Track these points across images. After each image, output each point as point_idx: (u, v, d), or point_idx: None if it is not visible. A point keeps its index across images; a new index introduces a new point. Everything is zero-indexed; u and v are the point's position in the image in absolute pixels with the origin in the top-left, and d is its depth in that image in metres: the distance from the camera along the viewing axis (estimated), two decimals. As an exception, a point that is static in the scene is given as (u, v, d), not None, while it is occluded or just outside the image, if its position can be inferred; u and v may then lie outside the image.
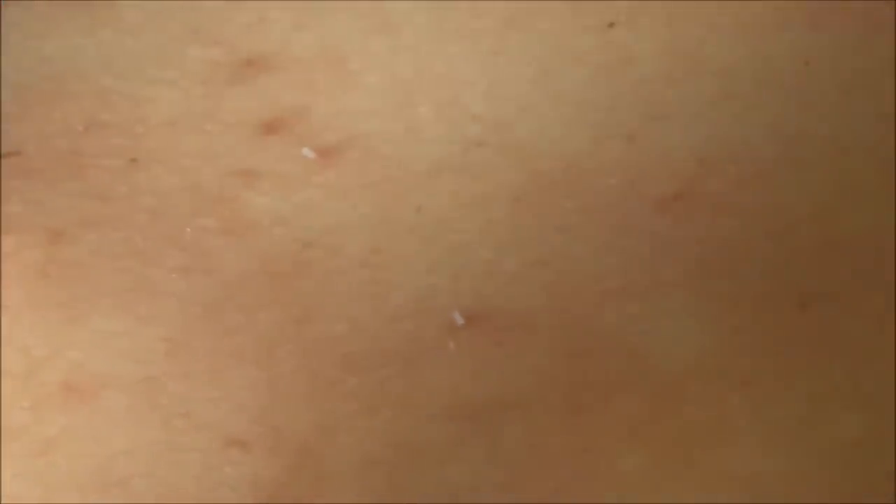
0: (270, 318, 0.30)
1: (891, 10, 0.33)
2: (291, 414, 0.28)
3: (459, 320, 0.30)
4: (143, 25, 0.36)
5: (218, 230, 0.32)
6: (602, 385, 0.28)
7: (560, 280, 0.30)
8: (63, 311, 0.30)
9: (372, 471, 0.27)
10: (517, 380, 0.29)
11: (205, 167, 0.33)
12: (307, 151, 0.33)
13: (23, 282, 0.31)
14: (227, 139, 0.33)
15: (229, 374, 0.29)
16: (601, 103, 0.32)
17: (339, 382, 0.29)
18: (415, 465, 0.27)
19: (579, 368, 0.28)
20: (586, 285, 0.30)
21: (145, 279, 0.31)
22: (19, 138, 0.33)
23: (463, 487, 0.27)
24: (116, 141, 0.34)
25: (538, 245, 0.31)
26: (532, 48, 0.35)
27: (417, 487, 0.27)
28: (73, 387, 0.29)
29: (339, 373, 0.29)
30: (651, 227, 0.30)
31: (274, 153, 0.33)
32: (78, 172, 0.33)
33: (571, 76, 0.33)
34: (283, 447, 0.28)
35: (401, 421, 0.28)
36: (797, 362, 0.28)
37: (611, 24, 0.34)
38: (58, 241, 0.31)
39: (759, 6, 0.34)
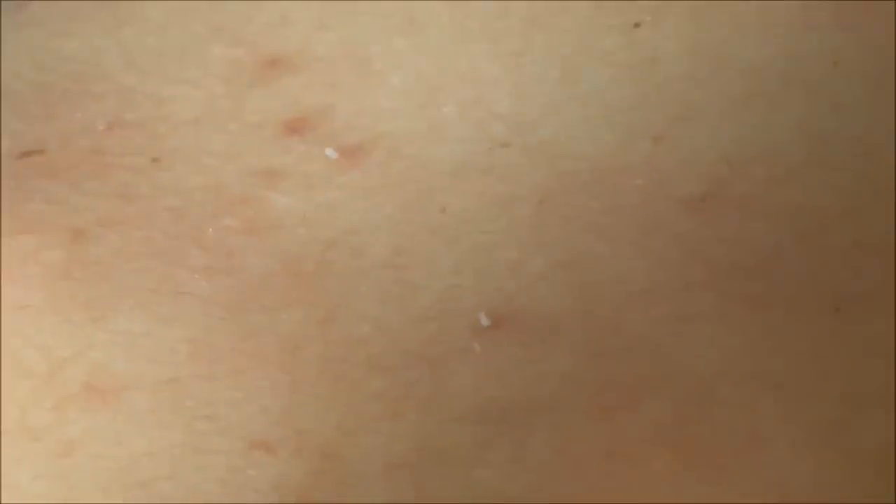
0: (294, 319, 0.30)
1: (919, 9, 0.33)
2: (315, 416, 0.28)
3: (485, 322, 0.30)
4: (166, 25, 0.36)
5: (241, 230, 0.32)
6: (629, 387, 0.28)
7: (586, 281, 0.30)
8: (85, 312, 0.30)
9: (397, 474, 0.27)
10: (543, 382, 0.29)
11: (227, 167, 0.33)
12: (330, 151, 0.33)
13: (45, 282, 0.31)
14: (249, 139, 0.33)
15: (252, 375, 0.29)
16: (627, 103, 0.32)
17: (363, 384, 0.29)
18: (440, 469, 0.27)
19: (606, 370, 0.28)
20: (613, 287, 0.30)
21: (168, 279, 0.31)
22: (42, 137, 0.33)
23: (489, 491, 0.27)
24: (139, 140, 0.33)
25: (564, 246, 0.31)
26: (556, 48, 0.35)
27: (443, 491, 0.27)
28: (95, 388, 0.29)
29: (364, 374, 0.29)
30: (678, 228, 0.30)
31: (297, 153, 0.33)
32: (100, 172, 0.33)
33: (597, 76, 0.33)
34: (307, 450, 0.28)
35: (426, 423, 0.28)
36: (830, 365, 0.28)
37: (636, 24, 0.33)
38: (80, 240, 0.31)
39: (786, 5, 0.33)
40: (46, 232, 0.31)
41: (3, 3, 0.37)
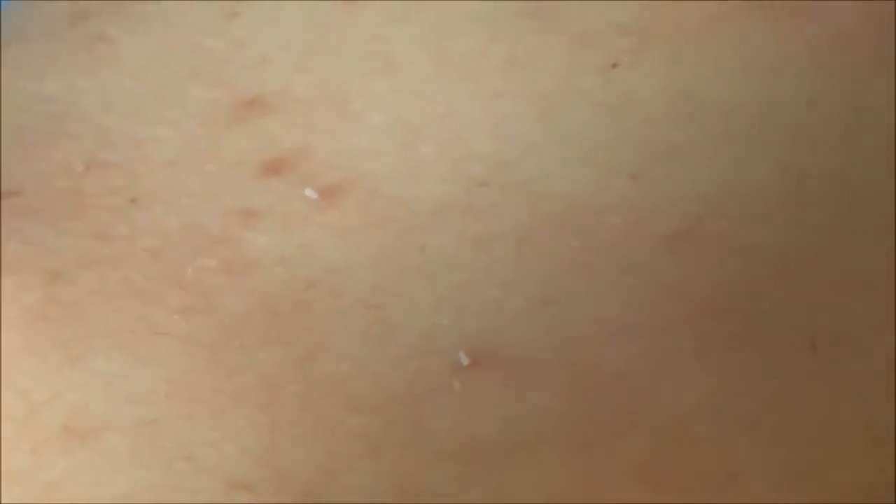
0: (273, 359, 0.30)
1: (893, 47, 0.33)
2: (295, 456, 0.28)
3: (464, 360, 0.30)
4: (144, 66, 0.36)
5: (219, 270, 0.32)
6: (607, 424, 0.28)
7: (565, 319, 0.30)
8: (63, 353, 0.30)
9: None
10: (522, 420, 0.28)
11: (206, 207, 0.33)
12: (309, 192, 0.33)
13: (22, 323, 0.31)
14: (228, 179, 0.33)
15: (232, 415, 0.29)
16: (605, 143, 0.32)
17: (343, 423, 0.29)
18: None
19: (584, 407, 0.28)
20: (591, 324, 0.30)
21: (146, 320, 0.31)
22: (19, 178, 0.33)
23: None
24: (117, 181, 0.33)
25: (543, 284, 0.31)
26: (535, 88, 0.35)
27: None
28: (73, 429, 0.29)
29: (344, 414, 0.29)
30: (656, 266, 0.30)
31: (275, 193, 0.33)
32: (78, 212, 0.33)
33: (575, 116, 0.33)
34: (288, 489, 0.28)
35: (406, 462, 0.28)
36: (807, 403, 0.28)
37: (614, 65, 0.34)
38: (57, 281, 0.31)
39: (762, 47, 0.34)
40: (23, 273, 0.31)
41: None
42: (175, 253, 0.32)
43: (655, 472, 0.27)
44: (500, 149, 0.33)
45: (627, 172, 0.32)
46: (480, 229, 0.33)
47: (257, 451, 0.28)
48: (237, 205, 0.33)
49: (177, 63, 0.36)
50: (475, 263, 0.32)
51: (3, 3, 0.32)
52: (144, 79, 0.36)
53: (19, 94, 0.36)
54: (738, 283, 0.29)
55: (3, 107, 0.35)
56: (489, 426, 0.28)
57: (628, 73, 0.34)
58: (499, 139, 0.33)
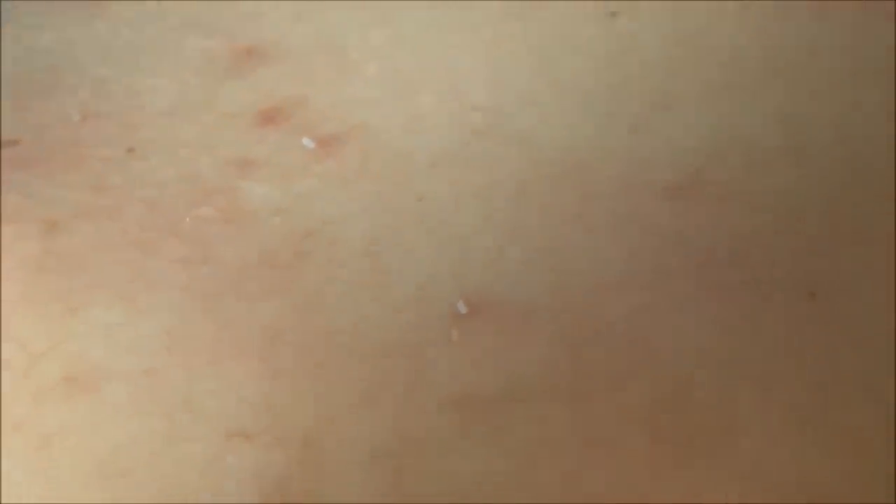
0: (272, 309, 0.30)
1: (894, -1, 0.33)
2: (294, 405, 0.28)
3: (463, 309, 0.30)
4: (140, 18, 0.36)
5: (217, 220, 0.32)
6: (607, 374, 0.28)
7: (564, 269, 0.30)
8: (62, 304, 0.30)
9: (376, 461, 0.27)
10: (521, 369, 0.29)
11: (202, 157, 0.33)
12: (307, 141, 0.33)
13: (20, 274, 0.31)
14: (224, 129, 0.33)
15: (231, 364, 0.29)
16: (604, 93, 0.32)
17: (341, 372, 0.29)
18: (419, 456, 0.27)
19: (583, 357, 0.29)
20: (590, 275, 0.30)
21: (145, 270, 0.31)
22: (17, 129, 0.33)
23: (468, 478, 0.27)
24: (113, 131, 0.34)
25: (541, 235, 0.31)
26: (533, 38, 0.35)
27: (422, 478, 0.27)
28: (73, 379, 0.29)
29: (342, 363, 0.29)
30: (656, 216, 0.30)
31: (272, 143, 0.33)
32: (75, 163, 0.33)
33: (573, 65, 0.33)
34: (287, 438, 0.28)
35: (405, 411, 0.28)
36: (805, 350, 0.28)
37: (613, 14, 0.34)
38: (55, 232, 0.31)
39: (762, -5, 0.34)
40: (21, 223, 0.31)
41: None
42: (172, 203, 0.32)
43: (654, 421, 0.27)
44: (498, 99, 0.33)
45: (626, 122, 0.32)
46: (479, 179, 0.33)
47: (256, 401, 0.28)
48: (234, 155, 0.33)
49: (172, 14, 0.36)
50: (473, 214, 0.32)
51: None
52: (140, 30, 0.36)
53: (16, 46, 0.36)
54: (736, 233, 0.29)
55: (1, 59, 0.35)
56: (487, 376, 0.29)
57: (627, 23, 0.34)
58: (497, 89, 0.33)
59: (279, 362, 0.29)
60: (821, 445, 0.27)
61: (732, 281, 0.29)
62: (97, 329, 0.30)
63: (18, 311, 0.30)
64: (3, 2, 0.37)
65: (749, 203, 0.30)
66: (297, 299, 0.30)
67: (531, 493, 0.27)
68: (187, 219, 0.32)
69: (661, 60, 0.33)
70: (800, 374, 0.28)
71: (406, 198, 0.33)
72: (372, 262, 0.31)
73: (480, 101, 0.34)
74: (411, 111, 0.34)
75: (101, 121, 0.34)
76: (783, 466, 0.27)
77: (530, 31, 0.35)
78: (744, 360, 0.28)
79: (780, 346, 0.28)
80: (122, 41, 0.36)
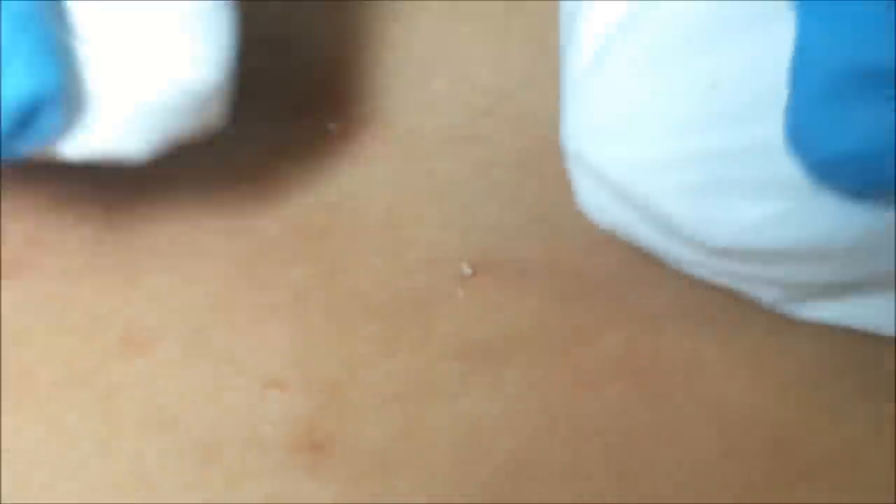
0: (301, 274, 0.32)
1: None
2: (321, 357, 0.30)
3: (467, 271, 0.32)
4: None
5: (255, 197, 0.33)
6: (589, 326, 0.30)
7: (556, 233, 0.32)
8: (120, 274, 0.32)
9: (391, 405, 0.29)
10: (517, 322, 0.31)
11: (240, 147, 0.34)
12: (331, 125, 0.34)
13: (83, 249, 0.32)
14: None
15: (267, 323, 0.31)
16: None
17: (362, 328, 0.31)
18: (429, 400, 0.30)
19: (570, 311, 0.31)
20: (578, 238, 0.32)
21: (192, 241, 0.33)
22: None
23: (472, 418, 0.29)
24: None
25: (538, 203, 0.33)
26: (534, 28, 0.36)
27: (431, 419, 0.29)
28: (131, 340, 0.31)
29: (362, 320, 0.31)
30: None
31: (303, 128, 0.35)
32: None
33: None
34: (314, 386, 0.30)
35: (416, 361, 0.30)
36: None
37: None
38: (111, 211, 0.33)
39: None
40: (83, 205, 0.33)
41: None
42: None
43: (630, 365, 0.30)
44: (501, 82, 0.35)
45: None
46: (483, 155, 0.35)
47: (288, 354, 0.31)
48: (270, 143, 0.34)
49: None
50: (478, 185, 0.34)
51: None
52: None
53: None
54: None
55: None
56: (489, 329, 0.31)
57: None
58: (501, 74, 0.35)
59: (308, 320, 0.31)
60: (774, 378, 0.29)
61: None
62: (150, 295, 0.32)
63: (82, 280, 0.32)
64: None
65: None
66: (324, 265, 0.32)
67: (526, 431, 0.29)
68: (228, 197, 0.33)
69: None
70: (752, 318, 0.30)
71: (419, 173, 0.35)
72: (389, 232, 0.32)
73: (486, 84, 0.36)
74: (425, 95, 0.36)
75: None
76: (741, 399, 0.29)
77: (532, 22, 0.36)
78: (705, 310, 0.30)
79: (734, 296, 0.30)
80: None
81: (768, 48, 0.26)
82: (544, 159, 0.34)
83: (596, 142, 0.28)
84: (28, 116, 0.26)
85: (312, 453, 0.29)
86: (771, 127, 0.26)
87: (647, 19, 0.27)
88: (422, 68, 0.36)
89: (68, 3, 0.27)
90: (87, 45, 0.28)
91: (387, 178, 0.34)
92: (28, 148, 0.27)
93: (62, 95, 0.27)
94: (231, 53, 0.29)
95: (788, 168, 0.26)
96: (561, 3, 0.29)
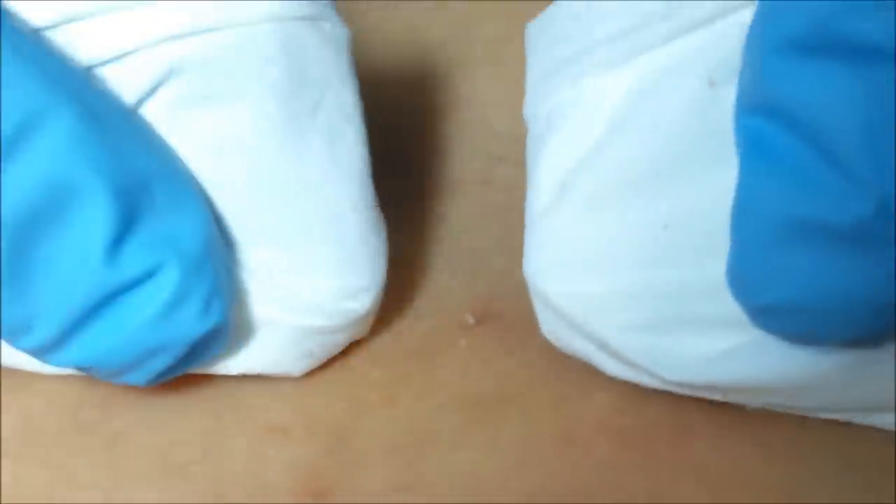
0: None
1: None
2: (325, 404, 0.31)
3: (470, 320, 0.32)
4: None
5: None
6: (584, 381, 0.30)
7: None
8: None
9: (393, 453, 0.29)
10: (515, 376, 0.31)
11: None
12: None
13: None
14: None
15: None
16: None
17: (365, 375, 0.31)
18: (429, 449, 0.30)
19: (566, 365, 0.31)
20: None
21: None
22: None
23: (471, 470, 0.29)
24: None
25: None
26: None
27: (432, 469, 0.29)
28: (134, 387, 0.30)
29: (367, 367, 0.32)
30: None
31: None
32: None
33: None
34: (318, 432, 0.30)
35: (418, 410, 0.30)
36: None
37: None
38: None
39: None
40: None
41: None
42: None
43: (619, 423, 0.30)
44: (518, 127, 0.34)
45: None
46: (498, 201, 0.35)
47: (292, 400, 0.31)
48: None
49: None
50: (490, 233, 0.35)
51: None
52: None
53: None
54: None
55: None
56: (488, 382, 0.31)
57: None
58: (515, 119, 0.34)
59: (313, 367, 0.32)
60: (758, 448, 0.29)
61: None
62: None
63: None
64: None
65: None
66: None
67: (523, 486, 0.29)
68: None
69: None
70: None
71: (429, 217, 0.35)
72: (395, 275, 0.32)
73: (500, 130, 0.36)
74: (437, 138, 0.36)
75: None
76: (726, 464, 0.29)
77: None
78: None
79: None
80: None
81: (719, 190, 0.27)
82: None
83: (552, 277, 0.29)
84: (197, 349, 0.29)
85: (315, 500, 0.29)
86: (720, 266, 0.27)
87: (602, 161, 0.28)
88: (434, 111, 0.36)
89: (238, 241, 0.30)
90: (254, 276, 0.30)
91: (397, 221, 0.33)
92: (192, 369, 0.30)
93: (229, 331, 0.29)
94: (384, 281, 0.31)
95: (736, 306, 0.27)
96: (527, 139, 0.30)
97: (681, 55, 0.27)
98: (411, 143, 0.36)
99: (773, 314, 0.26)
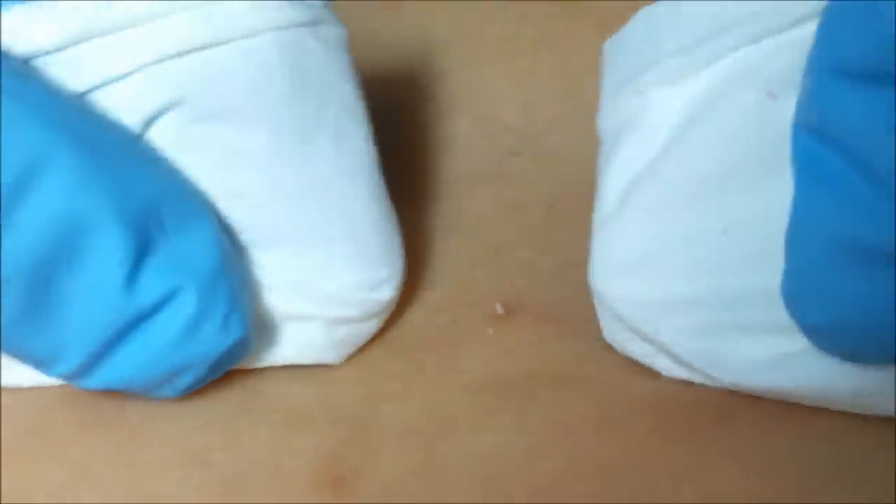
0: None
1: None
2: (346, 393, 0.31)
3: (500, 311, 0.32)
4: None
5: None
6: (623, 365, 0.31)
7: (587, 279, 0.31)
8: None
9: (413, 439, 0.29)
10: (543, 361, 0.31)
11: None
12: None
13: None
14: None
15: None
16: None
17: (386, 364, 0.31)
18: (449, 434, 0.29)
19: (602, 351, 0.31)
20: None
21: None
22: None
23: (493, 453, 0.29)
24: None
25: (569, 247, 0.33)
26: (562, 67, 0.37)
27: (452, 453, 0.29)
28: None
29: (387, 356, 0.32)
30: None
31: None
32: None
33: (599, 91, 0.34)
34: (339, 421, 0.30)
35: (438, 396, 0.30)
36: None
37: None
38: None
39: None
40: None
41: None
42: None
43: (654, 405, 0.30)
44: (530, 122, 0.35)
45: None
46: (513, 195, 0.35)
47: (316, 388, 0.31)
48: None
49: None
50: (507, 225, 0.35)
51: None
52: None
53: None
54: None
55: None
56: (515, 366, 0.31)
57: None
58: (529, 113, 0.35)
59: (335, 358, 0.31)
60: (799, 434, 0.29)
61: None
62: None
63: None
64: None
65: None
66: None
67: (548, 465, 0.28)
68: None
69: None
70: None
71: (447, 211, 0.35)
72: (417, 269, 0.32)
73: (514, 124, 0.36)
74: (452, 134, 0.36)
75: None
76: (768, 448, 0.29)
77: (559, 61, 0.37)
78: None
79: None
80: None
81: (777, 198, 0.27)
82: (574, 200, 0.34)
83: (613, 281, 0.30)
84: (222, 361, 0.29)
85: (335, 487, 0.29)
86: (777, 273, 0.27)
87: (664, 170, 0.29)
88: (448, 107, 0.36)
89: (258, 245, 0.31)
90: (276, 276, 0.31)
91: (415, 215, 0.34)
92: (220, 373, 0.30)
93: (251, 341, 0.30)
94: (404, 268, 0.32)
95: None
96: (599, 152, 0.31)
97: (742, 66, 0.28)
98: (424, 139, 0.36)
99: (823, 333, 0.27)
